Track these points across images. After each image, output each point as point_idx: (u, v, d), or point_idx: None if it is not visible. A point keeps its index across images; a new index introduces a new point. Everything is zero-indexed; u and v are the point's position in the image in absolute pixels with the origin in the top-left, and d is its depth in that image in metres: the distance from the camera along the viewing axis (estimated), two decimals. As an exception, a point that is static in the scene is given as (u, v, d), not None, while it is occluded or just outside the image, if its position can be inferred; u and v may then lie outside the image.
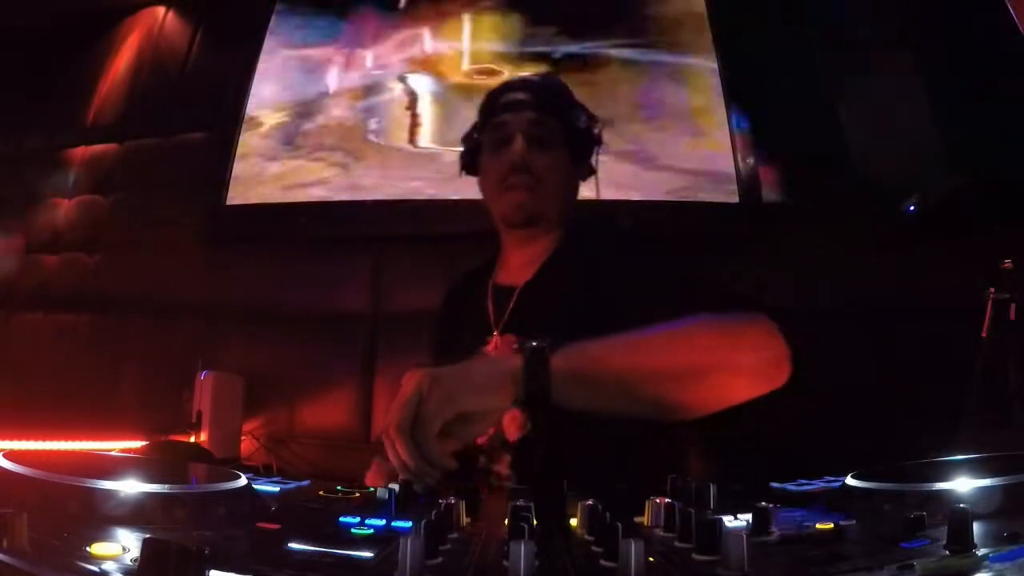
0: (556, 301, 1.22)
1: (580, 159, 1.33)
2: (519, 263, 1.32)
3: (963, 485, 0.63)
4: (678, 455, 1.24)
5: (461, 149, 1.39)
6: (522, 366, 0.88)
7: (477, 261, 1.46)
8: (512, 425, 1.17)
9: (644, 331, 0.95)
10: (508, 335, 1.24)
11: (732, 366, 0.98)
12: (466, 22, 2.98)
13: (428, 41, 3.01)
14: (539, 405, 0.88)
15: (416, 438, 0.84)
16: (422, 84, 2.97)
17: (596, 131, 1.35)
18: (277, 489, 0.86)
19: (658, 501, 0.68)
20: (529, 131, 1.25)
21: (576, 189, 1.35)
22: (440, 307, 1.49)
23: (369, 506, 0.76)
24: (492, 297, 1.31)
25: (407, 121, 2.95)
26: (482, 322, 1.28)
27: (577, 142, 1.31)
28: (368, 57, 3.08)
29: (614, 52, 2.85)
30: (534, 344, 0.89)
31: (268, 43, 3.14)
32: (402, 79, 3.00)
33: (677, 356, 0.97)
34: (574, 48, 2.88)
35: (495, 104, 1.31)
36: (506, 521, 0.63)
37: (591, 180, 1.38)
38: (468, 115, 1.43)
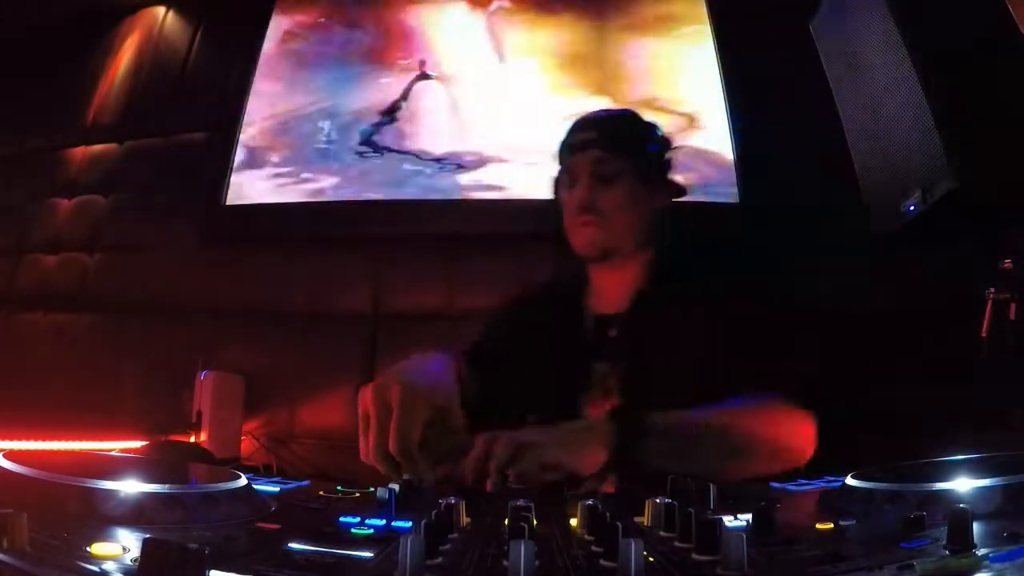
0: (655, 331, 1.31)
1: (654, 184, 1.40)
2: (612, 290, 1.40)
3: (963, 485, 0.63)
4: None
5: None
6: (616, 434, 0.98)
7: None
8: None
9: (721, 410, 1.08)
10: (613, 360, 1.32)
11: (784, 450, 1.13)
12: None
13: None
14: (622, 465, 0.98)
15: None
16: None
17: (668, 155, 1.43)
18: (277, 489, 0.86)
19: (658, 501, 0.68)
20: (594, 170, 1.34)
21: (653, 214, 1.41)
22: (507, 318, 1.51)
23: (369, 506, 0.76)
24: (592, 322, 1.39)
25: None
26: (581, 348, 1.36)
27: (648, 171, 1.39)
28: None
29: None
30: (627, 420, 0.99)
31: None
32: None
33: (749, 435, 1.10)
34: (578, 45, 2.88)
35: (566, 146, 1.41)
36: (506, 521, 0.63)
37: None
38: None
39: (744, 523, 0.65)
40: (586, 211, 1.34)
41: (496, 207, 2.69)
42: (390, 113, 2.94)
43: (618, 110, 1.55)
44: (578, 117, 1.45)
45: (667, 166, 1.43)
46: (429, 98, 2.93)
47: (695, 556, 0.54)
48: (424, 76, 2.95)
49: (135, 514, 0.60)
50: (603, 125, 1.40)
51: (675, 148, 1.45)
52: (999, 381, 1.70)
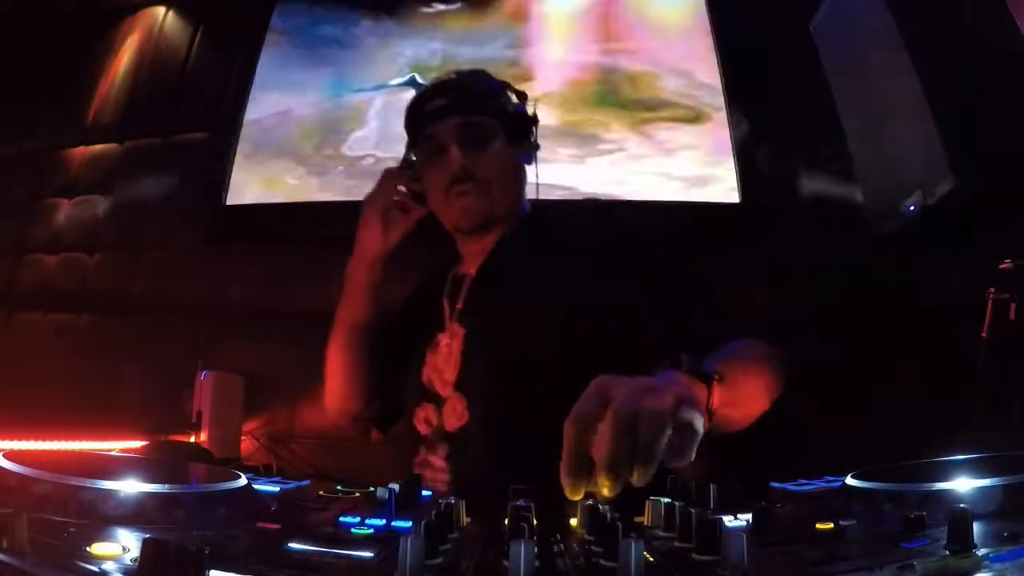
0: (506, 286, 1.23)
1: (520, 142, 1.31)
2: (475, 252, 1.33)
3: (963, 485, 0.63)
4: None
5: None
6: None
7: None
8: (452, 415, 1.19)
9: (738, 350, 0.98)
10: (456, 325, 1.26)
11: (776, 378, 1.03)
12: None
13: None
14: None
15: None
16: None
17: (529, 109, 1.33)
18: (277, 489, 0.86)
19: (658, 501, 0.68)
20: (461, 136, 1.24)
21: (524, 175, 1.34)
22: (403, 304, 1.49)
23: (369, 506, 0.76)
24: (449, 288, 1.33)
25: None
26: (439, 313, 1.31)
27: (513, 128, 1.29)
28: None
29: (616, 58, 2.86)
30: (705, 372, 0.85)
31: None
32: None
33: (766, 376, 1.01)
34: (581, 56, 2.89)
35: (419, 116, 1.29)
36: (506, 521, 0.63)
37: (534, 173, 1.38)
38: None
39: (744, 523, 0.65)
40: (462, 180, 1.24)
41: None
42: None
43: (467, 70, 1.37)
44: (424, 86, 1.35)
45: (531, 122, 1.33)
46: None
47: (695, 556, 0.54)
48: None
49: (135, 514, 0.60)
50: (457, 87, 1.29)
51: (532, 102, 1.34)
52: (999, 381, 1.70)
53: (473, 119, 1.25)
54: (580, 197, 2.69)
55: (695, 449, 0.67)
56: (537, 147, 1.36)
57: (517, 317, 1.18)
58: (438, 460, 1.18)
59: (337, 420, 1.47)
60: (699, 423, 0.67)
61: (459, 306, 1.28)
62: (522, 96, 1.33)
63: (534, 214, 1.35)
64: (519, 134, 1.30)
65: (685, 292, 1.17)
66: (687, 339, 0.97)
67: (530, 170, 1.36)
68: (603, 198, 2.68)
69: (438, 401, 1.23)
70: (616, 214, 2.64)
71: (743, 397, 0.93)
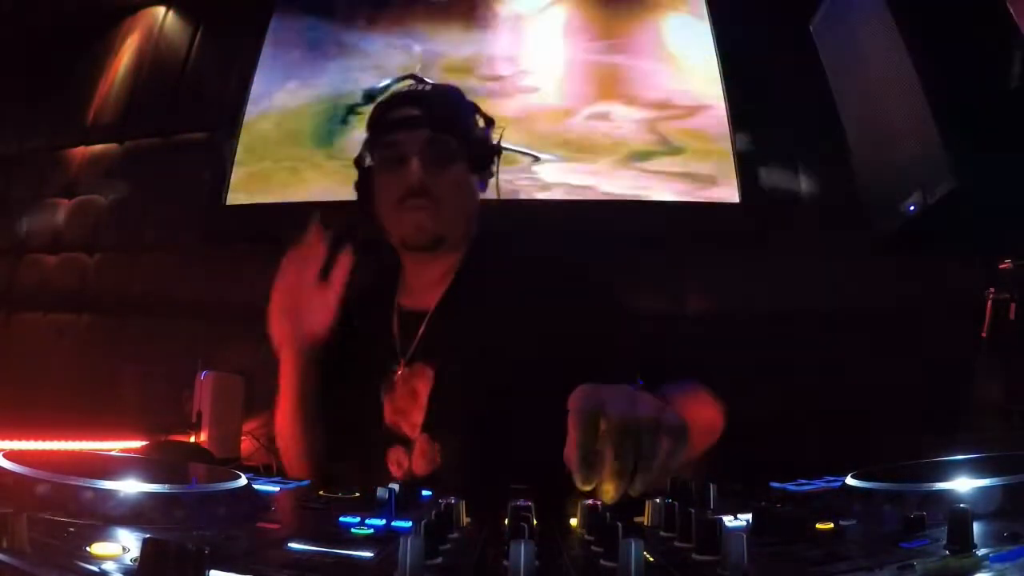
0: (468, 326, 1.19)
1: (480, 169, 1.30)
2: (426, 283, 1.28)
3: (963, 485, 0.63)
4: None
5: (355, 178, 1.33)
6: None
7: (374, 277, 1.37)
8: (421, 459, 1.16)
9: (686, 387, 1.03)
10: (418, 363, 1.21)
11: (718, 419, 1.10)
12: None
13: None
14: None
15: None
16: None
17: (495, 138, 1.32)
18: (277, 489, 0.86)
19: (658, 501, 0.68)
20: (425, 151, 1.21)
21: (476, 202, 1.32)
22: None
23: (369, 506, 0.76)
24: (399, 322, 1.27)
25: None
26: (387, 349, 1.25)
27: (476, 153, 1.28)
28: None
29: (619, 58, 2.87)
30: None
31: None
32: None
33: (711, 413, 1.08)
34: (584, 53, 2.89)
35: (386, 121, 1.26)
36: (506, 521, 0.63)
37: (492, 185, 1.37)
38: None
39: (744, 523, 0.65)
40: (418, 194, 1.21)
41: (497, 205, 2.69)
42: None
43: (441, 85, 1.36)
44: (395, 90, 1.31)
45: (494, 151, 1.32)
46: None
47: (695, 556, 0.54)
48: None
49: (135, 514, 0.60)
50: (429, 101, 1.26)
51: (498, 130, 1.33)
52: (999, 381, 1.70)
53: (440, 136, 1.23)
54: (578, 198, 2.69)
55: (685, 452, 0.69)
56: (492, 175, 1.34)
57: (490, 351, 1.14)
58: None
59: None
60: (685, 425, 0.69)
61: (417, 342, 1.22)
62: (490, 122, 1.32)
63: (485, 236, 1.32)
64: (480, 161, 1.29)
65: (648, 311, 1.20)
66: (651, 360, 1.01)
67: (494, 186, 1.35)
68: (602, 199, 2.68)
69: (406, 443, 1.19)
70: (615, 214, 2.64)
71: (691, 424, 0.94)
